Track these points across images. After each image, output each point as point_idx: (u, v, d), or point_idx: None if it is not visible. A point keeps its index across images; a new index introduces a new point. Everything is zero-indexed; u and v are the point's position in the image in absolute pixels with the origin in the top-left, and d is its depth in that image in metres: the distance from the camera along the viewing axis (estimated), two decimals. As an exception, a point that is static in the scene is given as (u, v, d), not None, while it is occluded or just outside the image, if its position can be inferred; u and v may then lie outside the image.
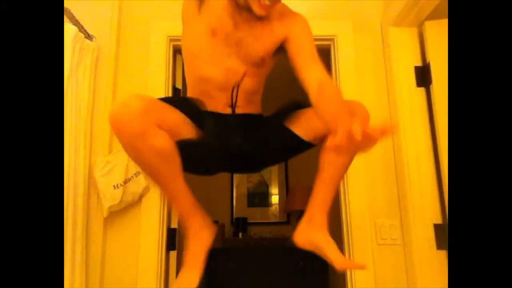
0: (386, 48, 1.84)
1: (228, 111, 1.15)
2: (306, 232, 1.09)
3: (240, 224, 3.43)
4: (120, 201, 1.59)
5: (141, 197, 1.67)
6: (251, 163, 1.19)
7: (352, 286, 1.65)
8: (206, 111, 1.13)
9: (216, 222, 3.00)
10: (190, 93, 1.21)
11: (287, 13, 1.16)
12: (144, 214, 1.67)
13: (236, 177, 3.69)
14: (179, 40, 1.24)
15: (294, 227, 1.16)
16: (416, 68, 1.72)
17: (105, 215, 1.59)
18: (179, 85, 1.93)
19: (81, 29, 1.64)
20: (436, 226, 1.57)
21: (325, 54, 1.84)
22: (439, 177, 1.60)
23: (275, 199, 3.75)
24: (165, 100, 1.01)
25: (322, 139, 1.06)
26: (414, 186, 1.62)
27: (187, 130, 1.02)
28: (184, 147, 0.96)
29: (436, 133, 1.61)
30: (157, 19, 1.87)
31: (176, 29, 1.31)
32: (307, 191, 1.16)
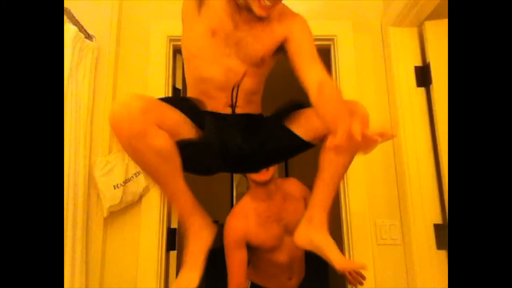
0: (386, 48, 1.84)
1: (228, 111, 1.15)
2: (306, 232, 1.09)
3: (240, 224, 3.42)
4: (120, 201, 1.59)
5: (141, 197, 1.68)
6: (251, 163, 1.19)
7: (352, 286, 1.65)
8: (206, 111, 1.13)
9: (216, 222, 2.97)
10: (190, 93, 1.20)
11: (287, 13, 1.15)
12: (144, 214, 1.67)
13: (236, 177, 3.69)
14: (179, 40, 1.24)
15: (294, 227, 1.15)
16: (416, 68, 1.72)
17: (105, 215, 1.59)
18: (179, 85, 1.93)
19: (81, 29, 1.64)
20: (436, 226, 1.57)
21: (325, 54, 1.84)
22: (439, 177, 1.60)
23: (275, 199, 3.74)
24: (165, 100, 1.00)
25: (322, 139, 1.05)
26: (414, 186, 1.62)
27: (187, 130, 1.02)
28: (184, 147, 0.96)
29: (436, 133, 1.61)
30: (157, 19, 1.87)
31: (176, 29, 1.31)
32: (307, 191, 1.16)
